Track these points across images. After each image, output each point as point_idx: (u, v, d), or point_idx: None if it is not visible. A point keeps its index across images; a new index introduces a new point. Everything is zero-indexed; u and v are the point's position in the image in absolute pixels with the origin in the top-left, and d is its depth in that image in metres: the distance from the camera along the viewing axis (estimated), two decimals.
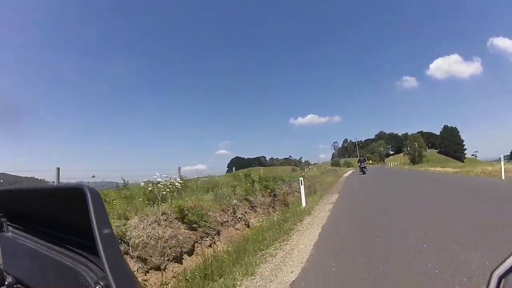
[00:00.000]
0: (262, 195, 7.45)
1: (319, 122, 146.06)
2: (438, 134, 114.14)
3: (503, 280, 0.42)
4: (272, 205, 7.45)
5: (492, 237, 3.36)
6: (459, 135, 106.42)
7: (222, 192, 5.74)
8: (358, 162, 26.88)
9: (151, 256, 3.33)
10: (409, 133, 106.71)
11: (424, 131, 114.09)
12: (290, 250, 3.75)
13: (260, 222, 5.69)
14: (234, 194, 6.23)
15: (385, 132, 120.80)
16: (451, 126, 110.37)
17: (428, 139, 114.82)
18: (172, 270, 3.42)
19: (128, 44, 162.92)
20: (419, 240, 3.62)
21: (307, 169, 21.49)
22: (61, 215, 0.53)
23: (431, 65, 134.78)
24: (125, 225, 3.63)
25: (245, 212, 6.02)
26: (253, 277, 2.89)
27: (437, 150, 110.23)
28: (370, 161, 60.20)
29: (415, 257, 3.05)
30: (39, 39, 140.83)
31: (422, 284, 2.40)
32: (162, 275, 3.16)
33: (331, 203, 7.77)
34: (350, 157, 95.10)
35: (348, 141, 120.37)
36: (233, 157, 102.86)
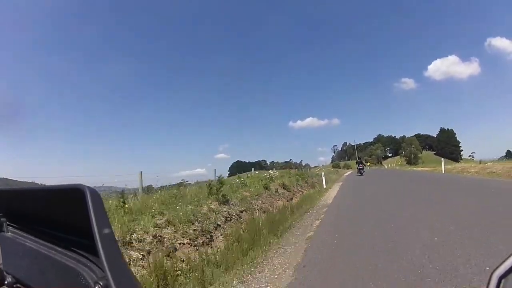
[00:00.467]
0: (302, 182, 14.22)
1: (318, 125, 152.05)
2: (435, 136, 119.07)
3: (503, 281, 0.43)
4: (308, 187, 14.22)
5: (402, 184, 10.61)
6: (456, 137, 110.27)
7: (290, 179, 12.57)
8: (356, 164, 27.93)
9: (285, 197, 10.09)
10: (407, 136, 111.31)
11: (421, 134, 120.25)
12: (328, 195, 10.94)
13: (308, 192, 12.47)
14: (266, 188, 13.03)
15: (383, 135, 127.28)
16: (448, 129, 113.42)
17: (425, 141, 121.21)
18: (292, 202, 10.16)
19: (126, 45, 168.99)
20: (376, 186, 11.00)
21: (318, 169, 28.53)
22: (61, 215, 0.54)
23: (430, 67, 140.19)
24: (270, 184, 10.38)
25: (300, 188, 12.81)
26: (319, 201, 9.83)
27: (434, 152, 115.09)
28: (368, 163, 66.76)
29: (367, 188, 10.50)
30: (39, 40, 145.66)
31: (372, 187, 9.66)
32: (291, 202, 9.90)
33: (339, 185, 14.81)
34: (349, 159, 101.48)
35: (347, 144, 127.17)
36: (233, 161, 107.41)
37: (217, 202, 6.35)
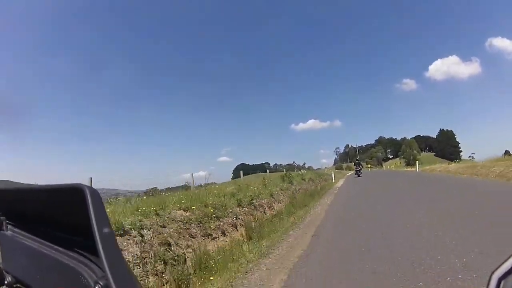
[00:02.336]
0: (319, 179, 21.80)
1: (320, 127, 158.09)
2: (435, 137, 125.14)
3: (502, 282, 0.44)
4: (322, 181, 21.79)
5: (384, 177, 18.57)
6: (455, 138, 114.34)
7: (313, 175, 20.40)
8: (354, 166, 29.38)
9: (315, 183, 17.85)
10: (408, 137, 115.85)
11: (421, 135, 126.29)
12: (336, 186, 18.92)
13: (324, 184, 20.11)
14: (303, 180, 20.60)
15: (384, 137, 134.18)
16: (447, 130, 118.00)
17: (426, 142, 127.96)
18: (318, 187, 17.85)
19: (128, 47, 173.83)
20: (367, 178, 19.21)
21: (326, 169, 36.30)
22: (61, 214, 0.56)
23: (430, 67, 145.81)
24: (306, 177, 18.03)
25: (318, 181, 20.47)
26: (332, 187, 17.70)
27: (434, 153, 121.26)
28: (369, 165, 74.22)
29: (361, 180, 18.28)
30: (41, 40, 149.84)
31: (365, 179, 17.37)
32: (318, 186, 17.63)
33: (343, 180, 22.77)
34: (351, 162, 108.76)
35: (349, 146, 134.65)
36: (237, 164, 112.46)
37: None
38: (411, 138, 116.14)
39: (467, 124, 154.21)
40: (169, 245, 4.71)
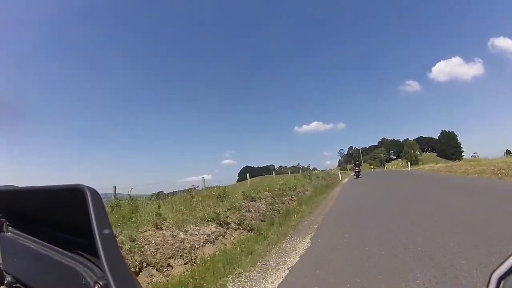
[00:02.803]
0: (328, 178, 27.50)
1: (324, 129, 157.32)
2: (437, 138, 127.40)
3: (502, 282, 0.44)
4: (331, 179, 27.49)
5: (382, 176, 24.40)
6: (457, 139, 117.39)
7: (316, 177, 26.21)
8: (353, 166, 28.97)
9: (327, 180, 23.58)
10: (411, 138, 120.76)
11: (423, 136, 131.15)
12: (343, 182, 24.73)
13: (334, 181, 25.83)
14: (317, 177, 26.33)
15: (387, 139, 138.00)
16: (449, 131, 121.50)
17: (428, 143, 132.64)
18: (329, 182, 23.66)
19: (129, 50, 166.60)
20: (367, 176, 24.79)
21: (334, 170, 41.97)
22: (61, 215, 0.57)
23: (434, 68, 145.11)
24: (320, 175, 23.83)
25: (329, 179, 26.18)
26: (342, 184, 23.46)
27: (436, 154, 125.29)
28: (372, 166, 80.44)
29: (362, 177, 23.97)
30: (40, 41, 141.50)
31: (365, 177, 23.16)
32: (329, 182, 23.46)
33: (348, 178, 28.53)
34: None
35: (353, 148, 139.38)
36: (241, 167, 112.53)
37: None
38: (413, 140, 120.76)
39: (471, 124, 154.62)
40: (272, 204, 10.54)
